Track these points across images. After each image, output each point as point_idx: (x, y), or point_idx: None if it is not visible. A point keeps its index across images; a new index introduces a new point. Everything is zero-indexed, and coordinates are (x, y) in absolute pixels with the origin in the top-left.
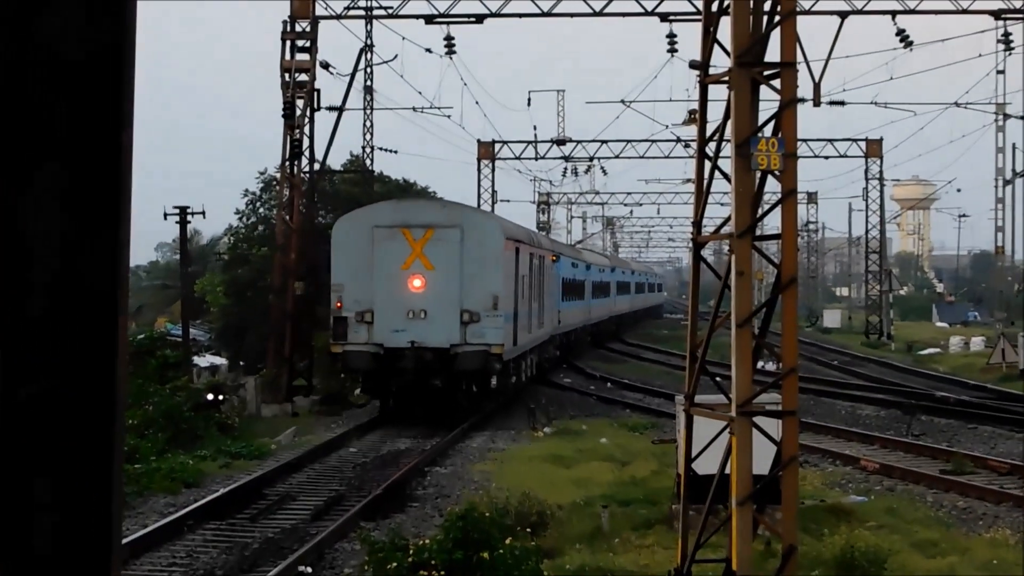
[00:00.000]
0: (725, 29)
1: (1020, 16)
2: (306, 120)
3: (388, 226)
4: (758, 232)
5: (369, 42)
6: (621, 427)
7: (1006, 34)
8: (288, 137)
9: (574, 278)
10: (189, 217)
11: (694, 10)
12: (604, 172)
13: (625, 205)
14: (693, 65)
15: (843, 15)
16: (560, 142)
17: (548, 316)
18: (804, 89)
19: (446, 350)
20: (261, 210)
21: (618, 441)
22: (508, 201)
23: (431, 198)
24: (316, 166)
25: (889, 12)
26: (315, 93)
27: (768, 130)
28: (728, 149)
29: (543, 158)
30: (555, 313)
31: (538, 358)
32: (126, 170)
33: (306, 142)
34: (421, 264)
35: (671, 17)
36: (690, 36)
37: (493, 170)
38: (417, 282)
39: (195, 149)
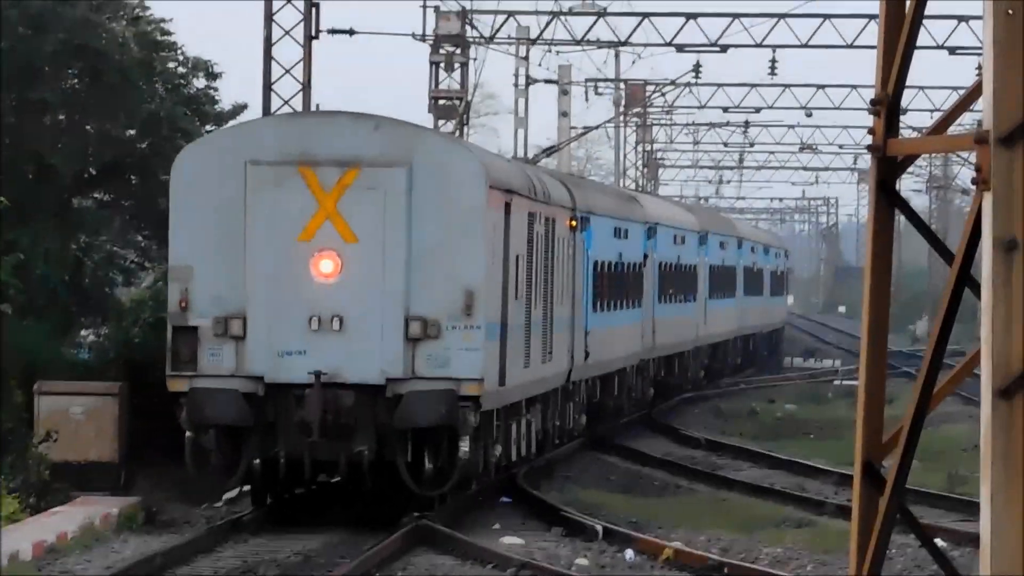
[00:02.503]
0: None
1: None
2: None
3: (274, 163)
4: None
5: None
6: None
7: None
8: None
9: (620, 261)
10: None
11: None
12: None
13: (680, 51)
14: None
15: None
16: None
17: (563, 340)
18: None
19: (379, 389)
20: None
21: None
22: (334, 32)
23: (353, 113)
24: None
25: None
26: None
27: None
28: None
29: None
30: (578, 335)
31: (540, 422)
32: None
33: None
34: (335, 232)
35: None
36: None
37: None
38: (327, 265)
39: None
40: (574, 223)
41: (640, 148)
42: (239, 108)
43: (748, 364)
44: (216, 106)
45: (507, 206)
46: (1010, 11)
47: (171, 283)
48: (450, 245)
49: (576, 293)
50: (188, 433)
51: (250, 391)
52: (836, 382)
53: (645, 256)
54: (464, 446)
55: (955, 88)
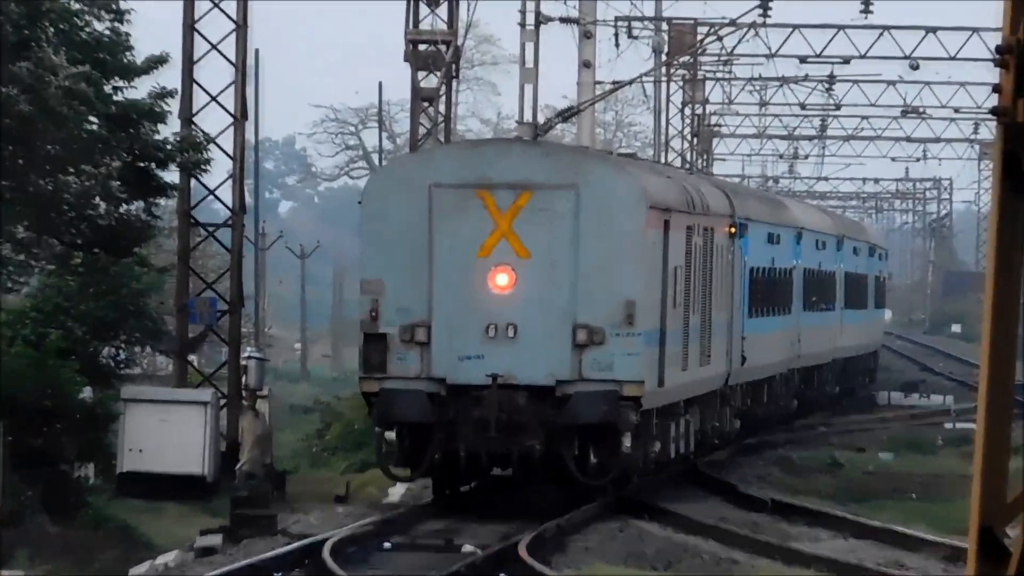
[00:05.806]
0: None
1: None
2: None
3: (456, 185)
4: None
5: None
6: None
7: None
8: None
9: (773, 266)
10: None
11: None
12: None
13: None
14: None
15: None
16: None
17: (720, 344)
18: None
19: (549, 390)
20: None
21: None
22: None
23: (525, 140)
24: None
25: None
26: None
27: None
28: None
29: None
30: (735, 340)
31: (699, 423)
32: None
33: None
34: (510, 249)
35: None
36: None
37: None
38: (503, 278)
39: None
40: (732, 229)
41: (688, 111)
42: (155, 60)
43: (874, 381)
44: (126, 55)
45: (666, 223)
46: None
47: (362, 295)
48: (612, 262)
49: (734, 298)
50: (377, 429)
51: (433, 392)
52: (947, 425)
53: (793, 263)
54: (626, 442)
55: None
